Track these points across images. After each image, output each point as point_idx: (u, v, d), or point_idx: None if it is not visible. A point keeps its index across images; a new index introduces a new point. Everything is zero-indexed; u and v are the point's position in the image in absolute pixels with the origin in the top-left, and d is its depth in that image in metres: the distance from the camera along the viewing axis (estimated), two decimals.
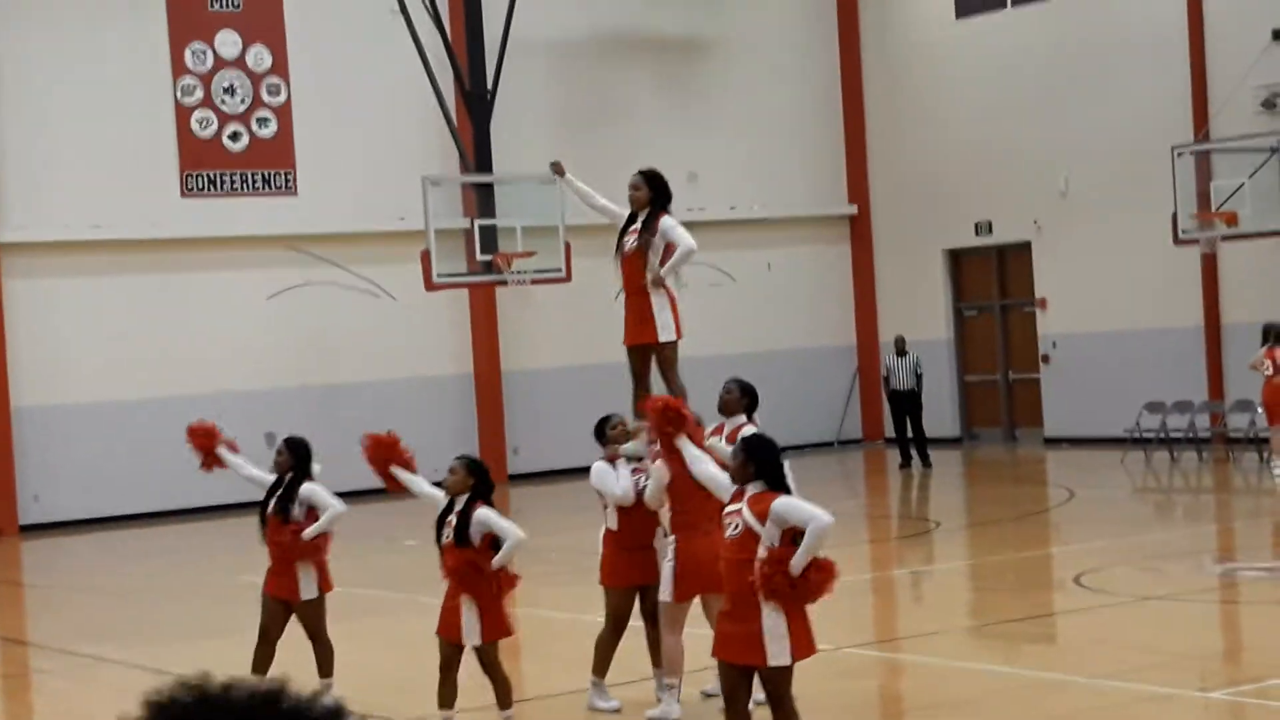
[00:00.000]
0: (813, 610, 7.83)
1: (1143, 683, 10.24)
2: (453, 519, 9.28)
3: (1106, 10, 26.16)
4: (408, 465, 9.96)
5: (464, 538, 9.19)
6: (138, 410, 24.26)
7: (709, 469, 8.29)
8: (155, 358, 24.32)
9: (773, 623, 7.59)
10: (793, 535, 7.62)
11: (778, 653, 7.64)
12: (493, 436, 26.46)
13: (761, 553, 7.60)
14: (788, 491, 7.79)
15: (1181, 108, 25.08)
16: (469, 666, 9.54)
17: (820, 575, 7.59)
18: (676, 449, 8.78)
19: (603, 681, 10.27)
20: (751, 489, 7.75)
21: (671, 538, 9.72)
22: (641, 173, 10.65)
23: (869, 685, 11.20)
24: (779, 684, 7.77)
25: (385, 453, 9.97)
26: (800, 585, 7.54)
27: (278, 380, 24.91)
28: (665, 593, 9.74)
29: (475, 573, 9.13)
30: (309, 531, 10.42)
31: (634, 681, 10.40)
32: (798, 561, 7.51)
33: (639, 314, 10.36)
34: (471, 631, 9.26)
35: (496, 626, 9.36)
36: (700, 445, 9.08)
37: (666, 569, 9.67)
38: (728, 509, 7.87)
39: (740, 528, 7.67)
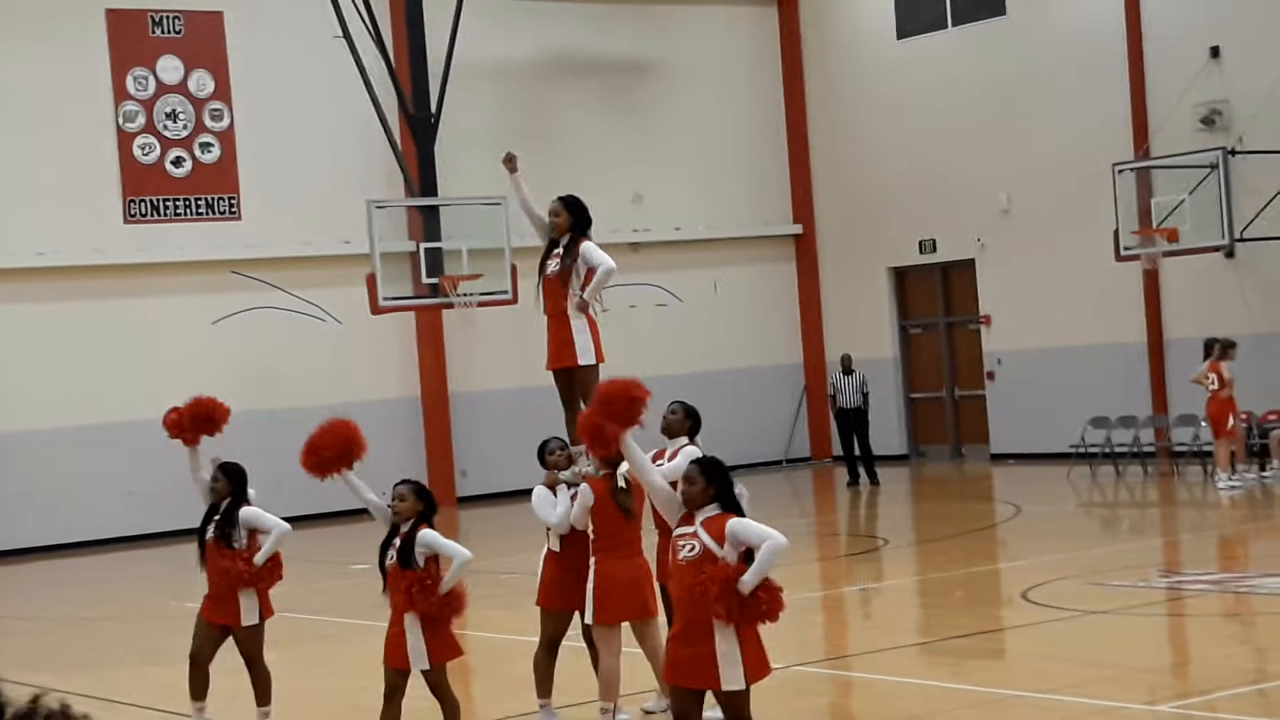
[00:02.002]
0: (762, 628, 7.82)
1: (1091, 697, 10.29)
2: (397, 541, 9.25)
3: (1047, 29, 26.36)
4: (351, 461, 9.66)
5: (408, 561, 9.15)
6: (80, 437, 24.09)
7: (655, 478, 8.19)
8: (99, 384, 24.16)
9: (726, 646, 7.56)
10: (747, 554, 7.61)
11: (732, 676, 7.60)
12: (440, 459, 26.40)
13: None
14: (739, 511, 7.78)
15: (1122, 125, 25.29)
16: (419, 689, 9.49)
17: (768, 597, 7.57)
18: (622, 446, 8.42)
19: (550, 703, 10.27)
20: (706, 511, 7.72)
21: (592, 560, 9.78)
22: (561, 199, 10.70)
23: (819, 703, 11.21)
24: (737, 707, 7.73)
25: (345, 444, 9.59)
26: (749, 605, 7.52)
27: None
28: (587, 615, 9.83)
29: (421, 593, 9.08)
30: (260, 556, 10.35)
31: (584, 703, 10.38)
32: (749, 579, 7.50)
33: (560, 338, 10.43)
34: (419, 656, 9.22)
35: (444, 649, 9.31)
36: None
37: (588, 592, 9.74)
38: (680, 531, 7.81)
39: (697, 549, 7.63)
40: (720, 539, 7.58)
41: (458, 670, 13.26)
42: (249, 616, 10.45)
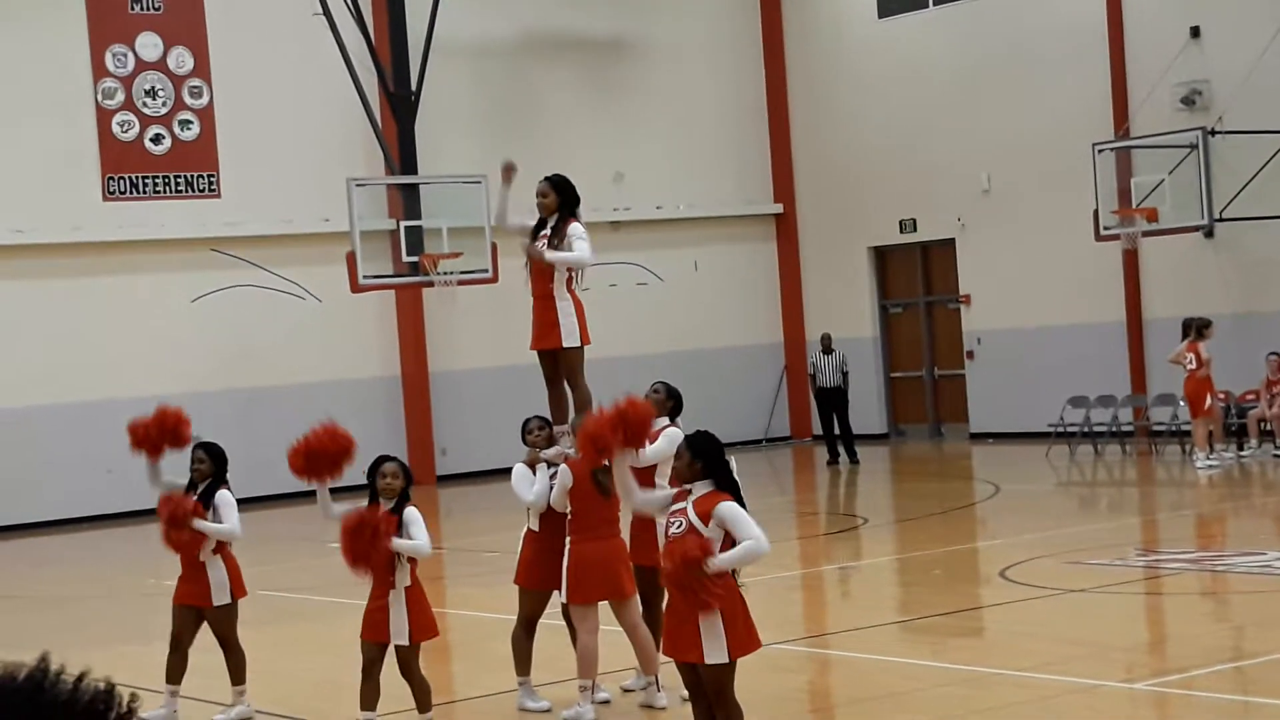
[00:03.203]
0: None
1: (1069, 675, 10.33)
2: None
3: (1028, 9, 26.37)
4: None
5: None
6: (60, 415, 24.03)
7: (641, 499, 8.31)
8: (78, 362, 24.11)
9: (709, 620, 7.58)
10: (732, 542, 7.62)
11: (714, 650, 7.62)
12: (421, 438, 26.39)
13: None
14: (735, 490, 7.76)
15: (1102, 105, 25.32)
16: (393, 672, 9.50)
17: (721, 588, 7.56)
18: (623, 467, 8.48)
19: (529, 680, 10.30)
20: (699, 488, 7.72)
21: (568, 540, 9.81)
22: (549, 179, 10.62)
23: (798, 680, 11.24)
24: (719, 681, 7.75)
25: (336, 454, 9.59)
26: (701, 583, 7.50)
27: (202, 384, 24.71)
28: (563, 594, 9.87)
29: (372, 535, 9.09)
30: (204, 525, 10.34)
31: (563, 681, 10.40)
32: (718, 562, 7.51)
33: (545, 319, 10.39)
34: (399, 631, 9.24)
35: (424, 627, 9.34)
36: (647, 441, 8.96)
37: (564, 572, 9.77)
38: (674, 507, 7.84)
39: (684, 526, 7.65)
40: (706, 518, 7.58)
41: (437, 648, 13.28)
42: (220, 596, 10.45)
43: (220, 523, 10.42)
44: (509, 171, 10.65)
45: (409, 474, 9.49)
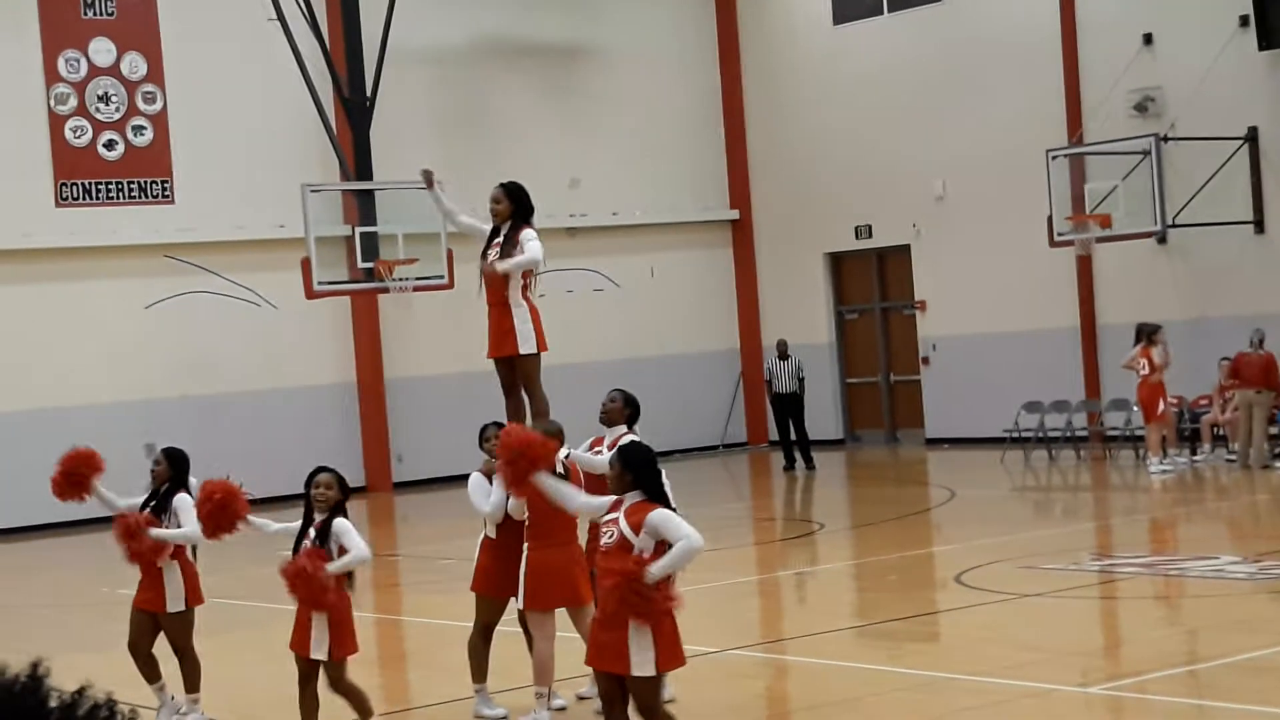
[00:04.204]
0: (696, 615, 7.84)
1: (1024, 679, 10.37)
2: (312, 532, 9.21)
3: (981, 16, 26.48)
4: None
5: (326, 547, 9.15)
6: (11, 422, 23.85)
7: (579, 502, 8.30)
8: (29, 369, 23.93)
9: (639, 632, 7.56)
10: (666, 548, 7.61)
11: (641, 663, 7.60)
12: (376, 444, 26.31)
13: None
14: (667, 501, 7.77)
15: (1056, 112, 25.44)
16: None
17: (663, 596, 7.56)
18: (534, 486, 8.59)
19: (485, 688, 10.27)
20: (630, 499, 7.72)
21: (525, 547, 9.78)
22: (503, 185, 10.60)
23: (755, 686, 11.25)
24: (646, 694, 7.72)
25: (226, 509, 9.63)
26: (644, 597, 7.49)
27: (157, 391, 24.59)
28: (520, 601, 9.85)
29: (308, 579, 9.06)
30: (159, 532, 10.29)
31: (519, 688, 10.37)
32: (656, 570, 7.50)
33: (501, 327, 10.36)
34: (319, 646, 9.18)
35: (344, 644, 9.25)
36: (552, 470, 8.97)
37: (520, 579, 9.75)
38: (606, 517, 7.84)
39: (615, 536, 7.64)
40: (637, 528, 7.57)
41: (393, 656, 13.24)
42: (174, 603, 10.39)
43: (179, 527, 10.36)
44: (429, 177, 10.74)
45: (345, 486, 9.41)
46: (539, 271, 10.44)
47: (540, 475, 8.26)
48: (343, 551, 9.15)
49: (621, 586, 7.47)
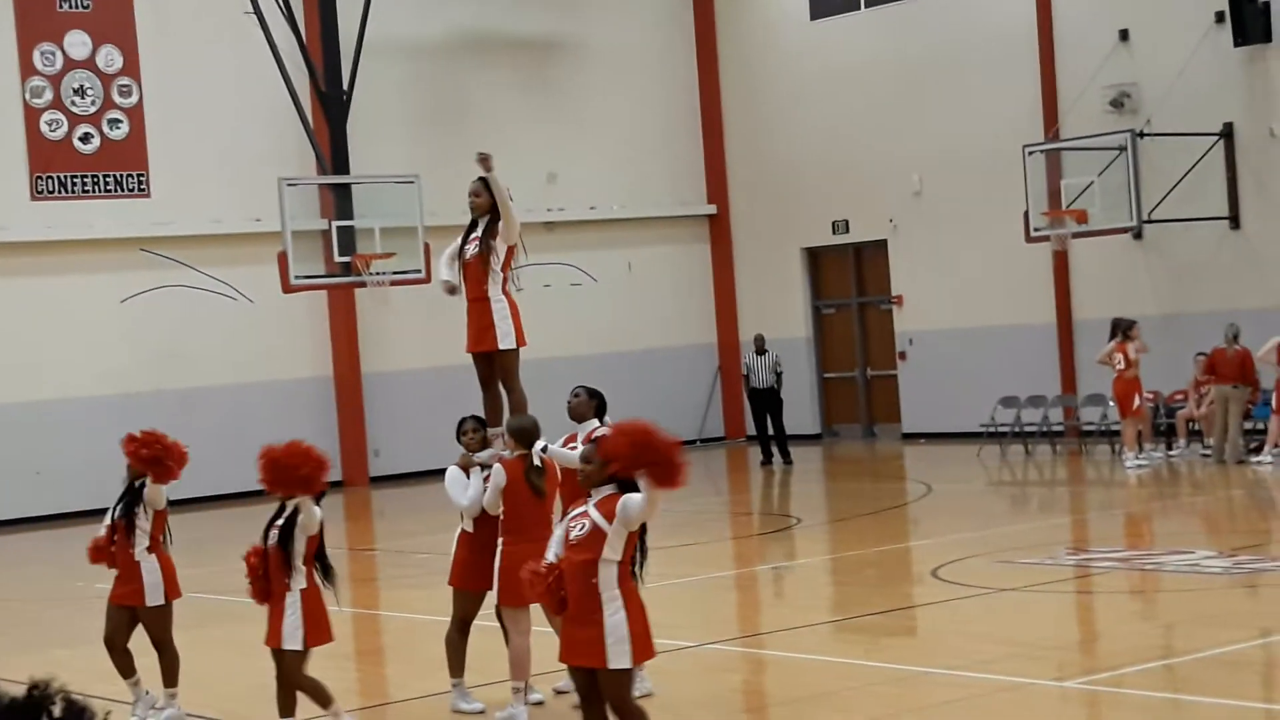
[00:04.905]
0: (673, 609, 7.84)
1: (1000, 673, 10.39)
2: (280, 521, 9.19)
3: (958, 12, 26.53)
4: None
5: (288, 543, 9.11)
6: None
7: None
8: (5, 364, 23.85)
9: (614, 624, 7.56)
10: (640, 536, 7.63)
11: (618, 655, 7.60)
12: (353, 439, 26.26)
13: (606, 553, 7.54)
14: (636, 490, 7.76)
15: (1032, 107, 25.50)
16: (325, 667, 9.45)
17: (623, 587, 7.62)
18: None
19: (463, 682, 10.27)
20: (602, 491, 7.71)
21: (500, 541, 9.77)
22: (481, 179, 10.61)
23: (732, 680, 11.26)
24: (619, 687, 7.71)
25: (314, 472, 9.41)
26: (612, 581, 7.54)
27: (133, 385, 24.52)
28: (495, 596, 9.85)
29: (268, 574, 9.06)
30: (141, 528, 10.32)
31: (496, 683, 10.37)
32: (612, 538, 7.50)
33: (480, 322, 10.36)
34: (293, 636, 9.14)
35: (318, 633, 9.21)
36: None
37: (495, 573, 9.74)
38: (573, 511, 7.81)
39: (587, 528, 7.62)
40: (610, 517, 7.57)
41: (371, 650, 13.23)
42: (153, 597, 10.37)
43: (165, 522, 10.39)
44: (486, 160, 10.58)
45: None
46: (518, 265, 10.44)
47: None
48: (313, 544, 9.14)
49: (578, 571, 7.50)
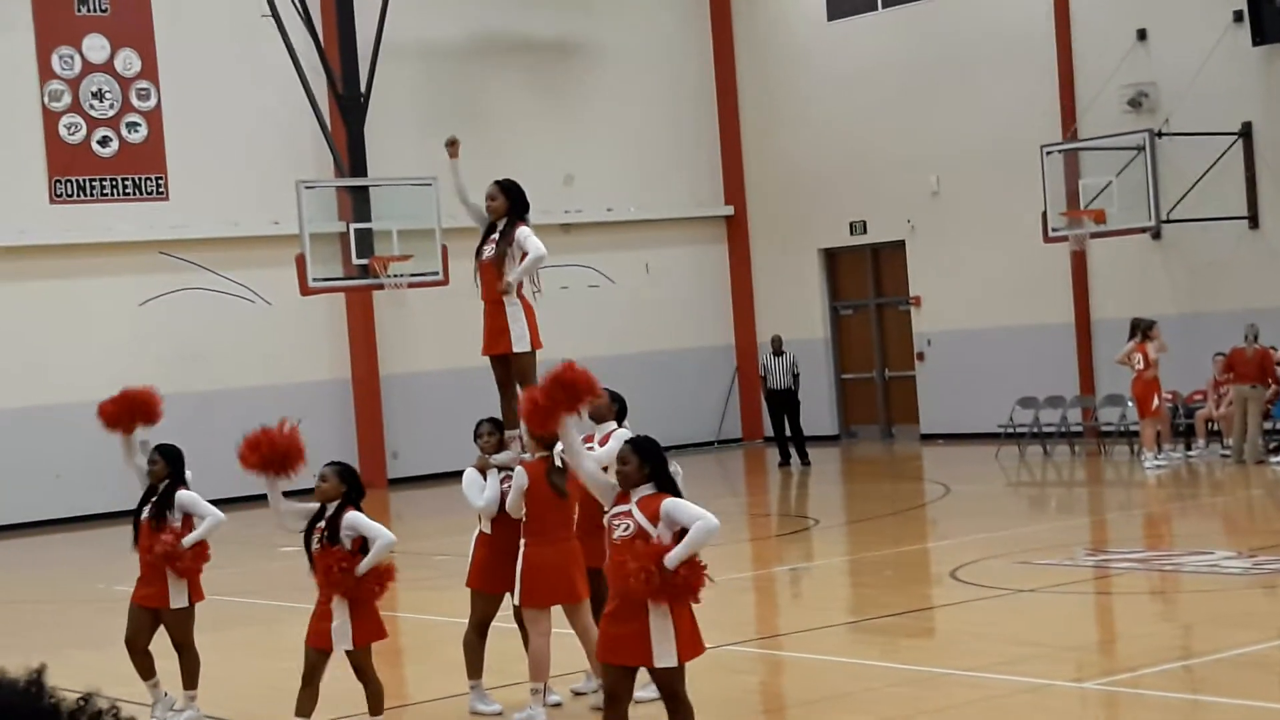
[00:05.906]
0: (695, 609, 7.83)
1: (1019, 675, 10.38)
2: (323, 524, 9.21)
3: (975, 11, 26.49)
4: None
5: (336, 542, 9.13)
6: (7, 420, 23.85)
7: (587, 467, 8.19)
8: (25, 366, 23.92)
9: (660, 624, 7.56)
10: (681, 534, 7.62)
11: (664, 654, 7.61)
12: (371, 441, 26.30)
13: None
14: (676, 490, 7.79)
15: (1050, 107, 25.45)
16: (343, 672, 9.45)
17: (691, 573, 7.57)
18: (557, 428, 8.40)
19: (481, 684, 10.27)
20: (641, 490, 7.72)
21: (522, 542, 9.76)
22: (498, 183, 10.61)
23: (750, 681, 11.25)
24: (671, 683, 7.75)
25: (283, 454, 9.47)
26: (669, 582, 7.51)
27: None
28: (516, 597, 9.84)
29: (343, 573, 9.07)
30: (189, 539, 10.28)
31: (515, 684, 10.38)
32: (675, 555, 7.50)
33: (496, 324, 10.37)
34: (343, 636, 9.18)
35: (368, 630, 9.27)
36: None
37: (517, 575, 9.73)
38: (615, 510, 7.81)
39: (631, 529, 7.63)
40: (655, 518, 7.58)
41: (389, 651, 13.23)
42: (177, 600, 10.38)
43: (196, 518, 10.38)
44: (454, 146, 10.77)
45: (350, 478, 9.35)
46: (540, 266, 10.45)
47: (567, 420, 8.17)
48: (359, 544, 9.14)
49: (649, 573, 7.46)
